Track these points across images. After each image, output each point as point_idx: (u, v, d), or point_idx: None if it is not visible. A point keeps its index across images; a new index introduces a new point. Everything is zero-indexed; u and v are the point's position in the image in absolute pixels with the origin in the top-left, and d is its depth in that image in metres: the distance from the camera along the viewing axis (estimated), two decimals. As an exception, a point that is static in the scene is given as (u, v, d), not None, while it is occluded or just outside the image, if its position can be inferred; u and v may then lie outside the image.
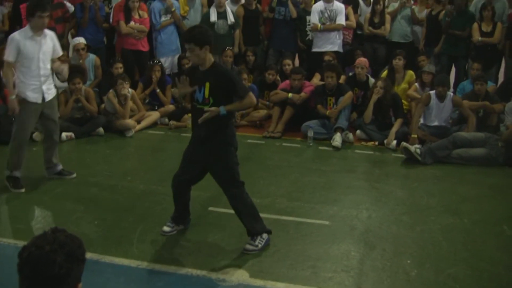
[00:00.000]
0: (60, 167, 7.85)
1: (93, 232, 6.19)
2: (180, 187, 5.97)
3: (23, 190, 7.34)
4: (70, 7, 11.60)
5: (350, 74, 11.07)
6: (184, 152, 5.91)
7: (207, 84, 5.50)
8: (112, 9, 11.74)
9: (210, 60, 5.56)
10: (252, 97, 5.63)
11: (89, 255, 5.34)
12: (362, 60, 10.77)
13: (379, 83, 9.92)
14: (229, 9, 11.84)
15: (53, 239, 2.49)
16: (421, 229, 6.44)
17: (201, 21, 11.90)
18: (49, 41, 7.28)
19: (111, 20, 11.74)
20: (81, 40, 11.04)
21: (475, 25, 11.25)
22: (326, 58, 10.96)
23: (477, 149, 8.94)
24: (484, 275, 5.42)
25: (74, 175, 7.90)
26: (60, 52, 7.57)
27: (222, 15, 11.78)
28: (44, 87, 7.25)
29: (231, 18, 11.77)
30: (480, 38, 11.13)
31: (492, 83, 11.05)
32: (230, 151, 5.68)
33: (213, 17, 11.76)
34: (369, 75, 10.86)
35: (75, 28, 11.92)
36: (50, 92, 7.39)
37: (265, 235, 5.80)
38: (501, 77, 12.04)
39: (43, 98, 7.28)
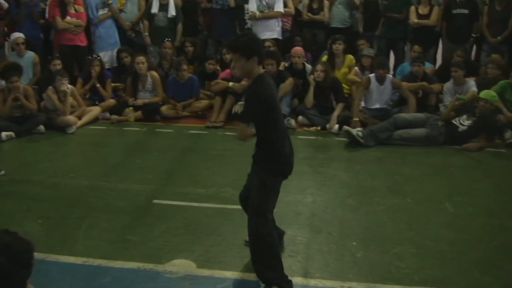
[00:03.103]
0: None
1: (37, 231, 6.07)
2: (244, 202, 5.29)
3: None
4: (4, 4, 11.42)
5: (286, 64, 11.06)
6: None
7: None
8: (48, 4, 11.55)
9: (255, 74, 4.72)
10: (240, 130, 4.76)
11: (33, 255, 5.26)
12: (298, 49, 10.82)
13: (319, 67, 9.99)
14: (172, 2, 11.77)
15: (-3, 240, 2.45)
16: (366, 210, 6.51)
17: (143, 12, 11.92)
18: None
19: (47, 16, 11.56)
20: (20, 35, 10.93)
21: (412, 8, 11.41)
22: (265, 45, 10.96)
23: (418, 129, 9.08)
24: (429, 253, 5.51)
25: (3, 172, 7.77)
26: None
27: (163, 7, 11.75)
28: None
29: (171, 12, 11.73)
30: (416, 20, 11.27)
31: (431, 65, 11.22)
32: (268, 177, 4.91)
33: (155, 8, 11.76)
34: (305, 63, 10.90)
35: (9, 25, 11.70)
36: None
37: None
38: (438, 59, 12.23)
39: None
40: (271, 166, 4.89)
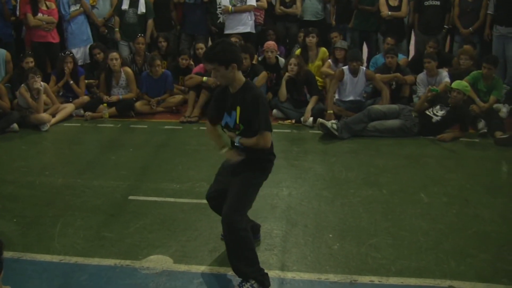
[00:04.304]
0: None
1: (13, 230, 6.01)
2: (213, 201, 5.21)
3: None
4: (-26, 2, 11.29)
5: (260, 58, 11.07)
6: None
7: (238, 108, 4.72)
8: (19, 1, 11.42)
9: (241, 80, 4.73)
10: (266, 138, 4.68)
11: (9, 254, 5.25)
12: (270, 44, 10.84)
13: (293, 60, 9.99)
14: (142, -1, 11.74)
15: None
16: (341, 202, 6.53)
17: (114, 8, 11.83)
18: None
19: (18, 13, 11.44)
20: (-9, 33, 10.80)
21: (382, 0, 11.42)
22: (233, 40, 10.92)
23: (392, 120, 9.12)
24: (404, 243, 5.55)
25: None
26: None
27: (134, 4, 11.68)
28: None
29: (141, 9, 11.68)
30: (390, 13, 11.30)
31: (404, 56, 11.27)
32: (256, 175, 4.91)
33: (125, 4, 11.69)
34: (278, 57, 10.92)
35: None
36: None
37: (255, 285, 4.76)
38: (411, 50, 12.29)
39: None
40: (262, 164, 4.90)
